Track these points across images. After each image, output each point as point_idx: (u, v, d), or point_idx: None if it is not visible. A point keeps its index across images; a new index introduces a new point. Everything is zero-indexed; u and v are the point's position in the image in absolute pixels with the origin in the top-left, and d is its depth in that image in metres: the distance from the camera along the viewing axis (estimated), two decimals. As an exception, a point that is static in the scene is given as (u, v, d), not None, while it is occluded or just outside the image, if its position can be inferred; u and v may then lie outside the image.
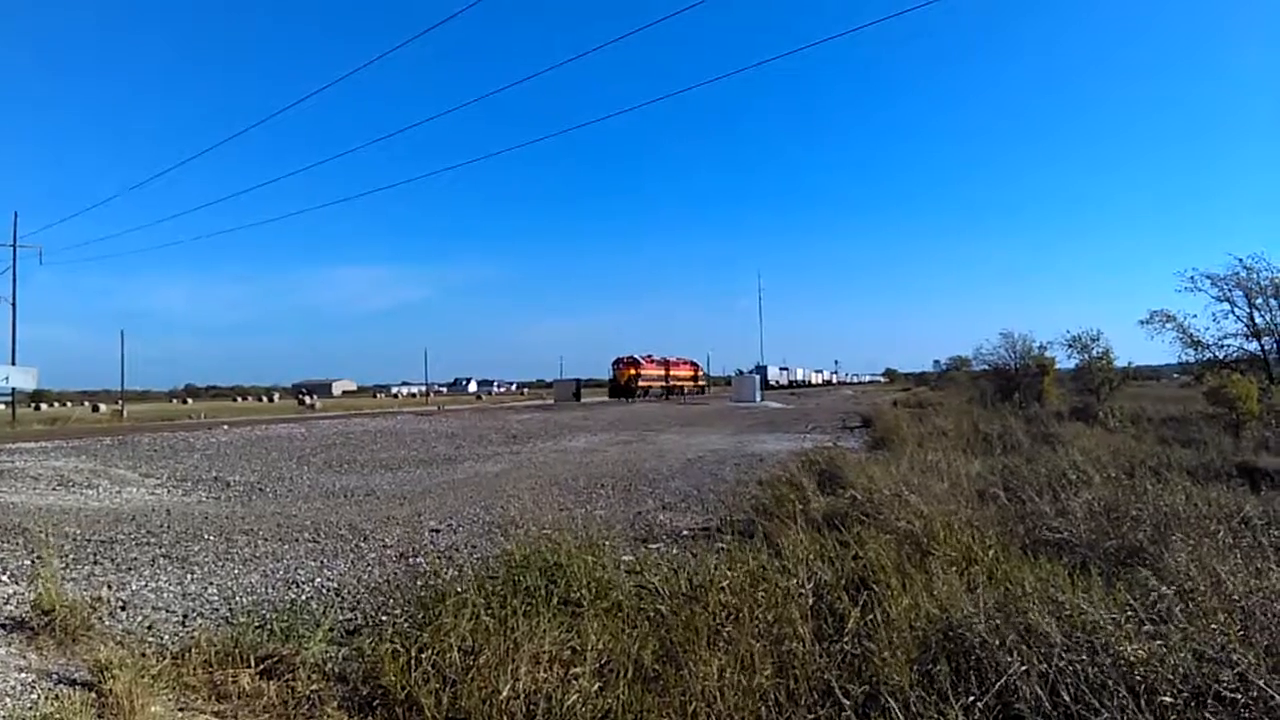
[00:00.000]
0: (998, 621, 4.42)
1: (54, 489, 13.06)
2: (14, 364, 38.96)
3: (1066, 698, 3.68)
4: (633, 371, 68.28)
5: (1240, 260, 25.06)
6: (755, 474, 14.68)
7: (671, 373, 76.02)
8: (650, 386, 70.93)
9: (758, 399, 58.02)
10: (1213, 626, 4.03)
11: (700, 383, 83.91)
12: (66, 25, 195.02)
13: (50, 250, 66.22)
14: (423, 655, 4.42)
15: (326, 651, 4.88)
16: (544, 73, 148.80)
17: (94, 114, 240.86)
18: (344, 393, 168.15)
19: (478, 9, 41.06)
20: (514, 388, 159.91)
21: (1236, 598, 4.47)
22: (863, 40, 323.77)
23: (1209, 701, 3.55)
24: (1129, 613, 4.35)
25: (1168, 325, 26.99)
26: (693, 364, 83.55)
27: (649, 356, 72.38)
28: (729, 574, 5.48)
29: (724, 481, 14.09)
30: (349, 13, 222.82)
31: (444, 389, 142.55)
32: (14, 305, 44.01)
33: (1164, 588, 4.66)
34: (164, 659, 4.70)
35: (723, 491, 12.67)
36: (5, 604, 5.75)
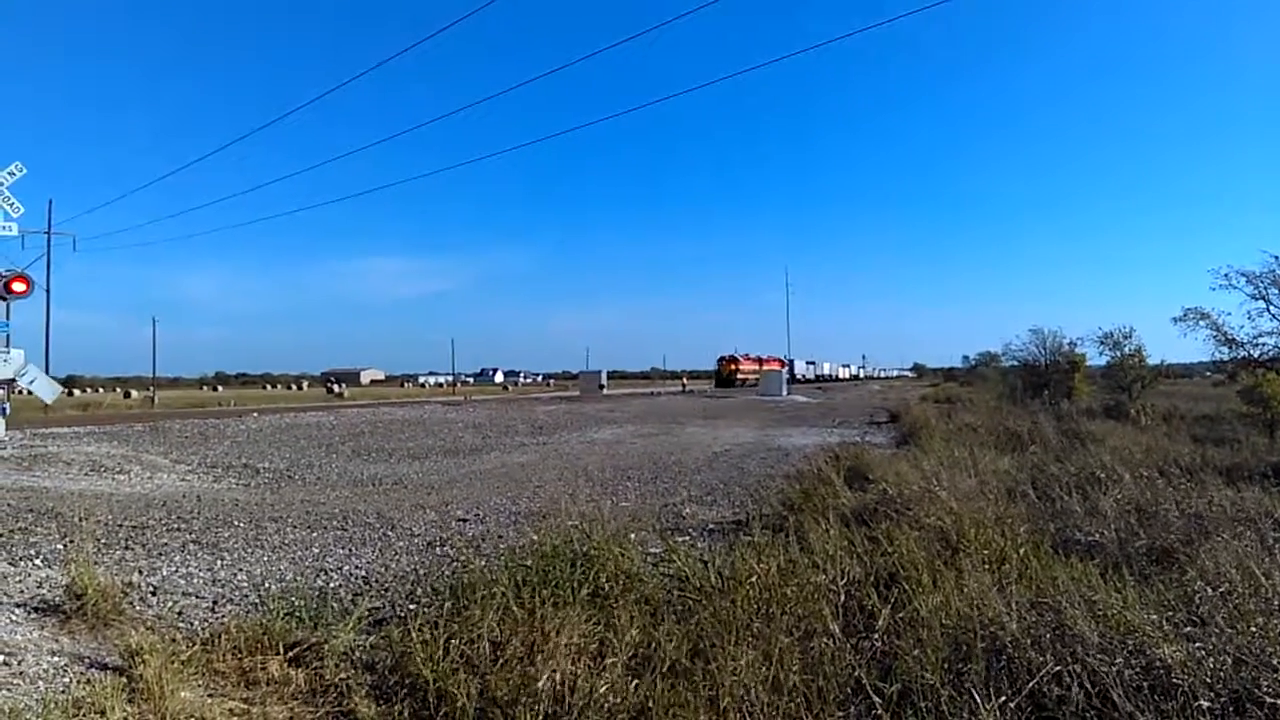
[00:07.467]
0: (1030, 621, 4.35)
1: (86, 474, 13.27)
2: (48, 348, 39.56)
3: (1100, 701, 3.62)
4: (733, 366, 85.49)
5: (1276, 257, 24.49)
6: (781, 468, 14.62)
7: (764, 367, 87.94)
8: (747, 379, 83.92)
9: (784, 393, 57.82)
10: (1252, 629, 3.94)
11: None
12: (100, 15, 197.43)
13: (84, 238, 67.55)
14: (451, 645, 4.42)
15: (355, 640, 4.89)
16: (574, 64, 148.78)
17: (128, 103, 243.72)
18: (372, 381, 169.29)
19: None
20: (540, 379, 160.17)
21: (1275, 600, 4.37)
22: (889, 34, 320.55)
23: (1248, 707, 3.46)
24: (1166, 614, 4.27)
25: (1201, 323, 26.41)
26: (782, 360, 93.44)
27: (746, 355, 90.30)
28: (758, 568, 5.43)
29: (750, 475, 14.04)
30: (384, 2, 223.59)
31: (470, 379, 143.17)
32: (49, 291, 44.50)
33: (1207, 589, 4.56)
34: (194, 645, 4.73)
35: (749, 485, 12.62)
36: (39, 588, 5.83)
